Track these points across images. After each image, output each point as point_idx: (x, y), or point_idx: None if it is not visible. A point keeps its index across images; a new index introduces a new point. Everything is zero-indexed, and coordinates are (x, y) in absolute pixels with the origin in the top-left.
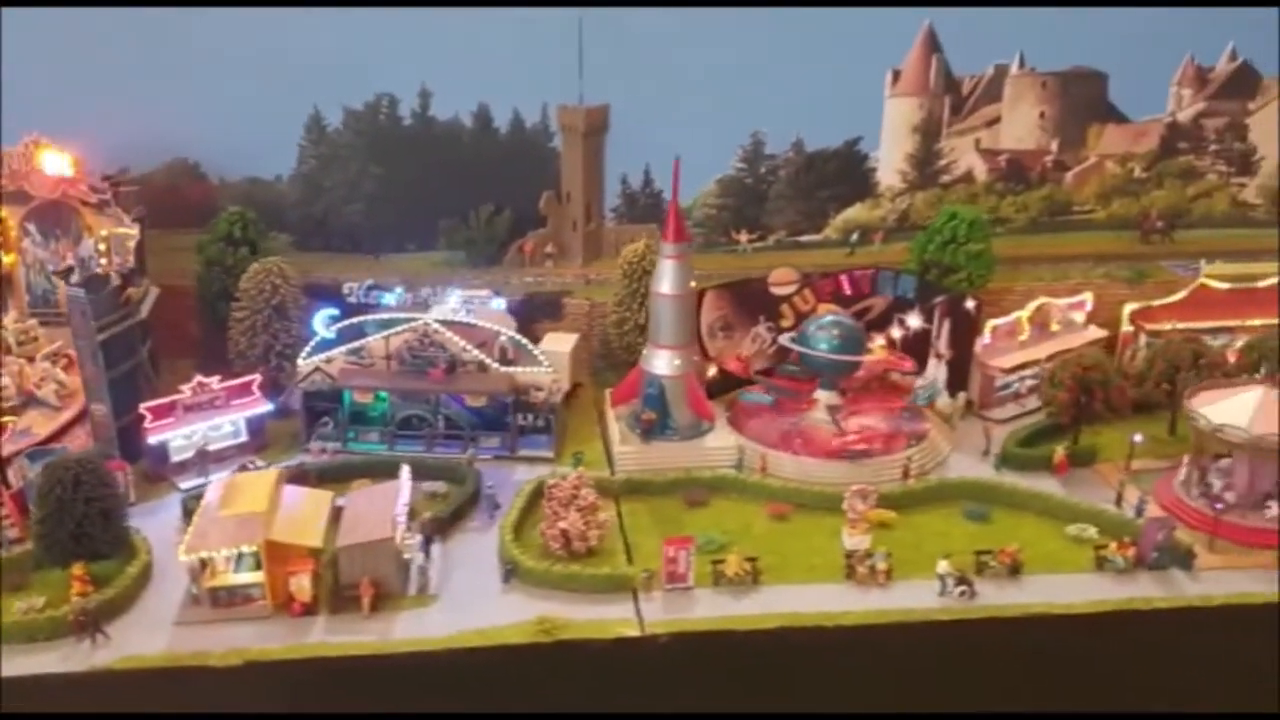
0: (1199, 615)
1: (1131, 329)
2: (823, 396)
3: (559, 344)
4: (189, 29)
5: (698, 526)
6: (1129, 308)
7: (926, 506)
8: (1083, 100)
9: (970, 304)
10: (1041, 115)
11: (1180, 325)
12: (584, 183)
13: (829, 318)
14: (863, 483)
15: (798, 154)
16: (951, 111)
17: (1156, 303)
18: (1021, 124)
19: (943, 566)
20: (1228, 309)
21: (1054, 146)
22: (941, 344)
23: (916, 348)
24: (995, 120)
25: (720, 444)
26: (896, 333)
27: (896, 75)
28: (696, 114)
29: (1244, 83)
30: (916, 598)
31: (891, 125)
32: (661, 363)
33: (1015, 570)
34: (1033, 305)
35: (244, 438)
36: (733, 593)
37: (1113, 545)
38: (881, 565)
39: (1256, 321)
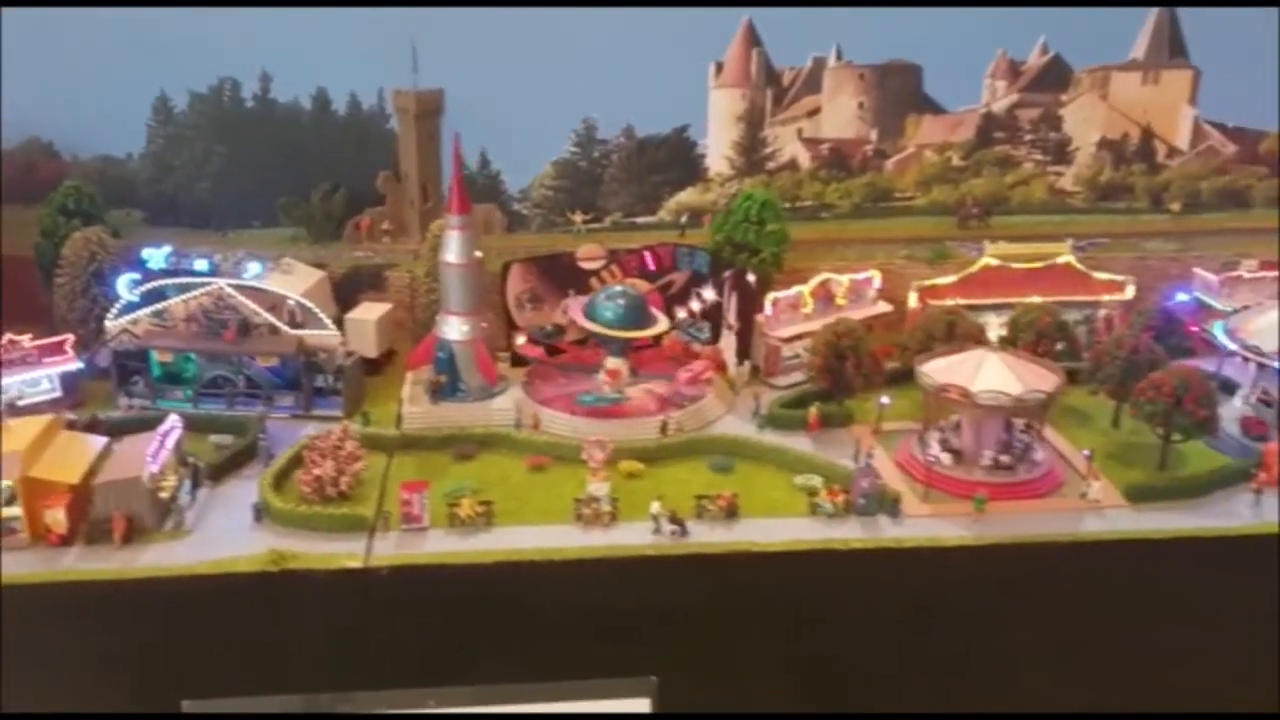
0: (894, 555)
1: (919, 304)
2: (610, 363)
3: (368, 313)
4: (43, 12)
5: (458, 476)
6: (915, 284)
7: (679, 459)
8: (900, 91)
9: (751, 278)
10: (860, 106)
11: (962, 301)
12: (419, 163)
13: (616, 289)
14: (623, 438)
15: (629, 139)
16: (774, 102)
17: (942, 280)
18: (842, 114)
19: (655, 508)
20: (1009, 287)
21: (874, 136)
22: (731, 315)
23: (713, 319)
24: (816, 110)
25: (504, 405)
26: (695, 305)
27: (719, 67)
28: (531, 99)
29: (1056, 75)
30: (634, 536)
31: (717, 114)
32: (451, 329)
33: (732, 514)
34: (815, 280)
35: (58, 393)
36: (464, 533)
37: (823, 492)
38: (606, 508)
39: (1036, 299)
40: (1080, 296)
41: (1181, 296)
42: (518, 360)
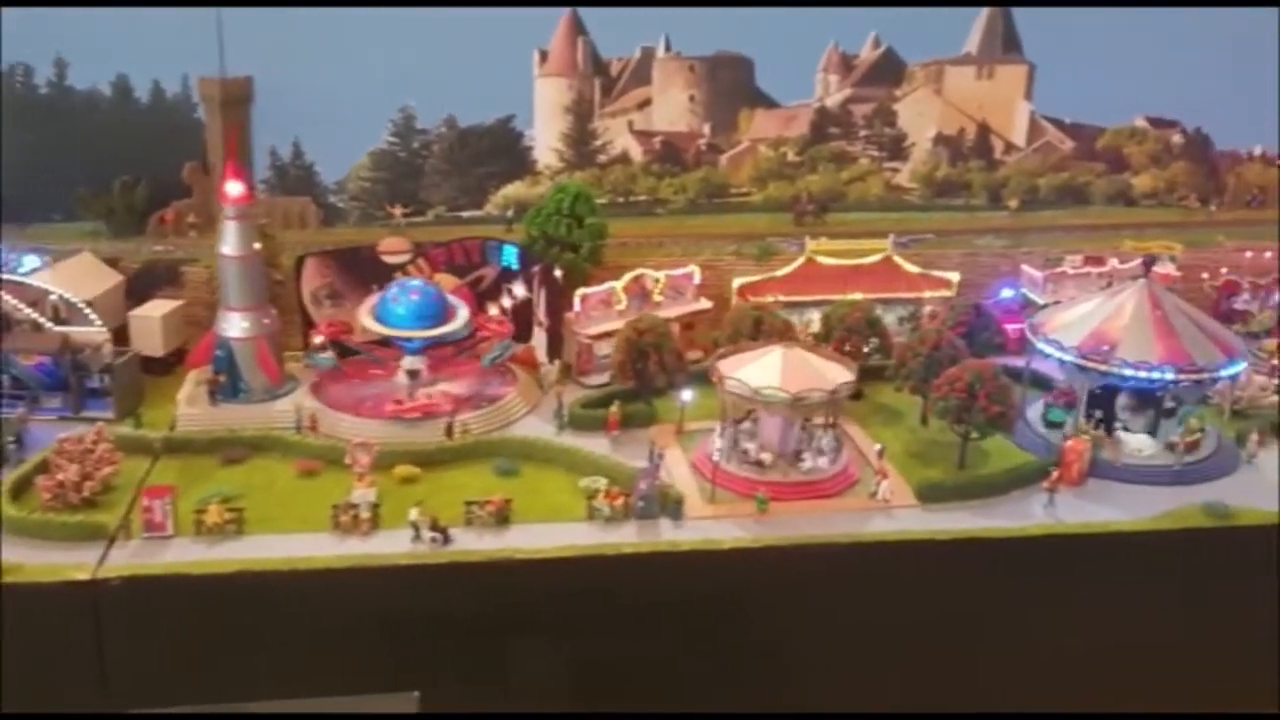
0: (667, 559)
1: (739, 301)
2: (406, 362)
3: (154, 310)
4: None
5: (222, 482)
6: (737, 281)
7: (463, 463)
8: (731, 84)
9: (558, 273)
10: (691, 99)
11: (782, 298)
12: (227, 154)
13: (411, 283)
14: (404, 441)
15: (451, 130)
16: (602, 93)
17: (762, 277)
18: (673, 107)
19: (413, 514)
20: (831, 283)
21: (706, 130)
22: (541, 312)
23: (525, 316)
24: (646, 103)
25: (285, 406)
26: (506, 302)
27: (544, 55)
28: (346, 86)
29: (889, 70)
30: (395, 545)
31: (543, 105)
32: (231, 325)
33: (503, 519)
34: (628, 276)
35: None
36: (211, 541)
37: (601, 495)
38: (365, 515)
39: (856, 295)
40: (904, 293)
41: (1007, 292)
42: None
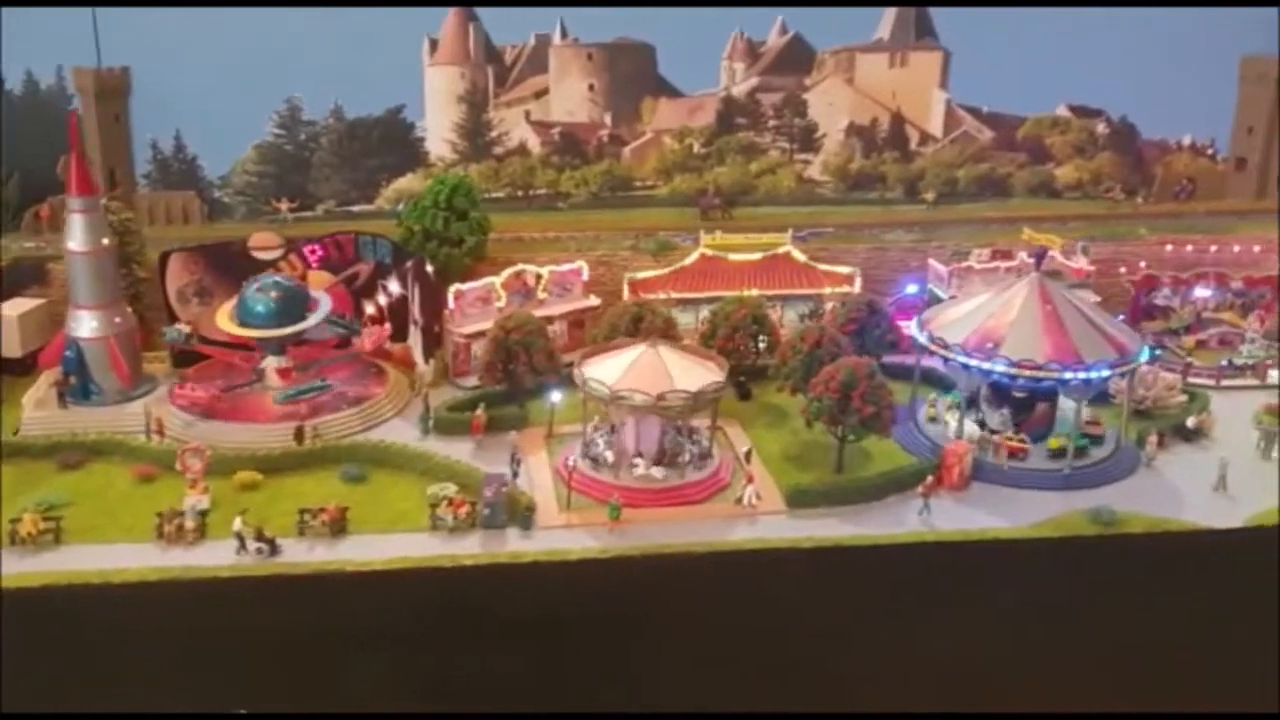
0: (507, 571)
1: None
2: (269, 363)
3: (12, 309)
4: None
5: (57, 488)
6: (628, 277)
7: (311, 468)
8: (632, 73)
9: (430, 269)
10: (591, 88)
11: (674, 295)
12: (103, 147)
13: (269, 279)
14: (252, 445)
15: (338, 121)
16: (497, 82)
17: (653, 273)
18: (571, 96)
19: (237, 524)
20: (726, 279)
21: (608, 120)
22: (415, 310)
23: (402, 314)
24: (544, 92)
25: (137, 409)
26: (382, 299)
27: (434, 43)
28: (228, 76)
29: (797, 58)
30: (221, 556)
31: (434, 94)
32: (80, 325)
33: (339, 529)
34: (508, 271)
35: None
36: (25, 552)
37: (444, 503)
38: (190, 524)
39: (752, 292)
40: (803, 289)
41: (911, 288)
42: (184, 359)
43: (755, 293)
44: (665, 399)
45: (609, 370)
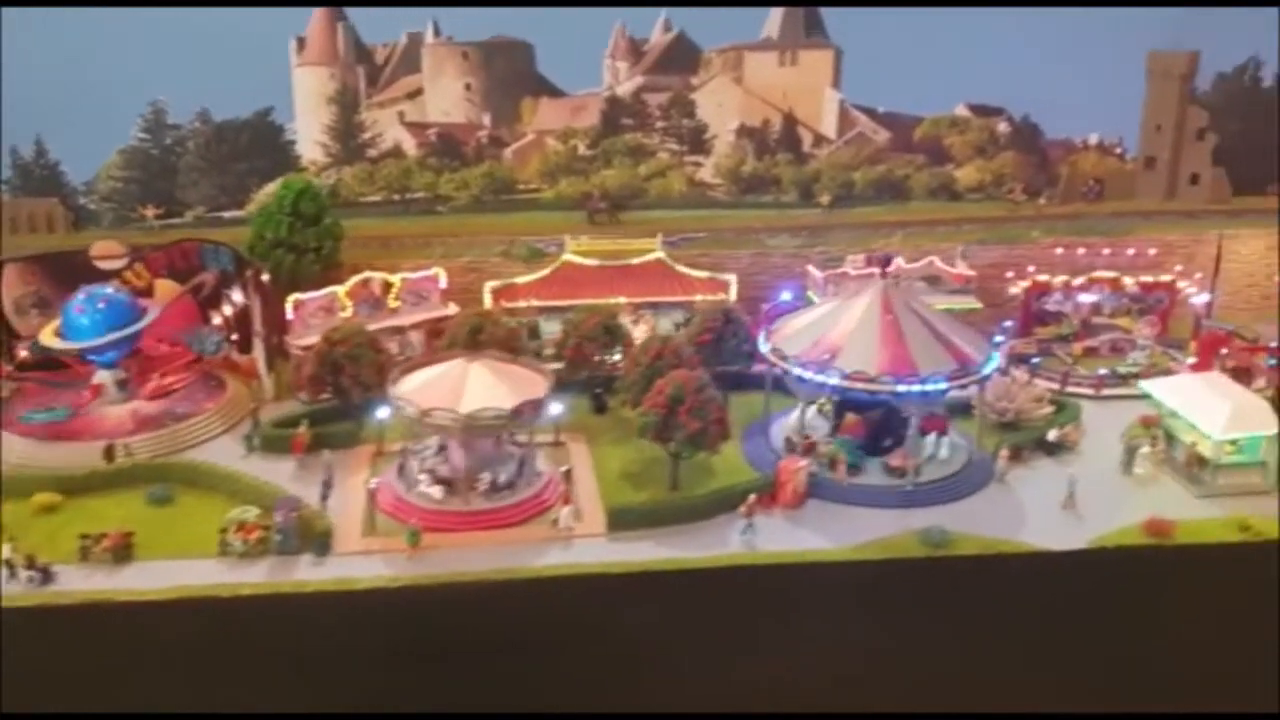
0: (292, 601)
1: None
2: (104, 376)
3: None
4: None
5: None
6: (490, 285)
7: (117, 490)
8: (510, 72)
9: (266, 278)
10: (468, 87)
11: (537, 302)
12: None
13: (99, 290)
14: (57, 464)
15: (205, 124)
16: (369, 82)
17: (517, 280)
18: (447, 96)
19: (6, 550)
20: (595, 286)
21: (486, 120)
22: (257, 320)
23: (246, 323)
24: (418, 92)
25: None
26: (228, 309)
27: (302, 43)
28: (91, 79)
29: (682, 56)
30: None
31: (304, 96)
32: None
33: (123, 555)
34: (353, 280)
35: None
36: None
37: (232, 528)
38: None
39: (619, 299)
40: (674, 296)
41: (786, 295)
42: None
43: (624, 300)
44: (477, 418)
45: (427, 387)
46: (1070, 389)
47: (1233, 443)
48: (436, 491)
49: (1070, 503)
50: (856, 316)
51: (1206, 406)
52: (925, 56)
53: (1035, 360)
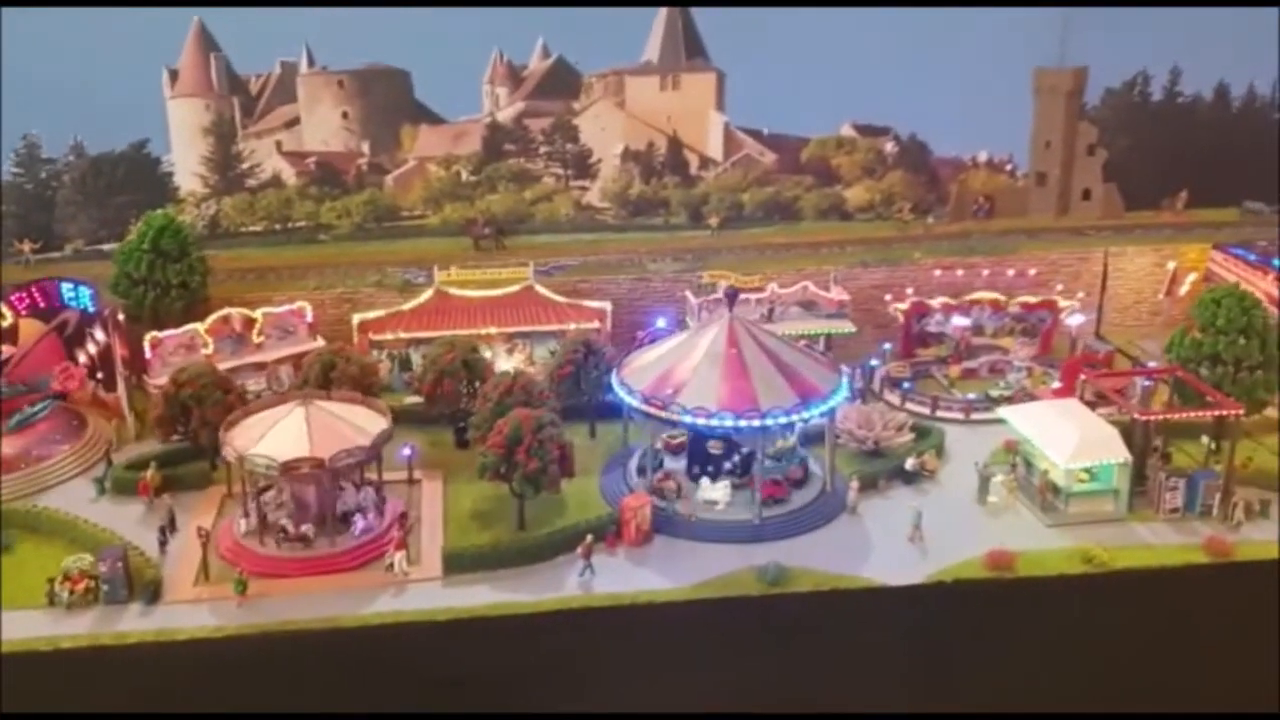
0: (108, 655)
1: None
2: None
3: None
4: None
5: None
6: (358, 317)
7: None
8: (387, 99)
9: (121, 316)
10: (345, 115)
11: (404, 334)
12: None
13: None
14: None
15: (79, 158)
16: (244, 113)
17: (386, 312)
18: (324, 125)
19: None
20: (466, 316)
21: (365, 148)
22: (118, 359)
23: (109, 362)
24: (295, 121)
25: None
26: (92, 347)
27: (174, 75)
28: None
29: (562, 81)
30: None
31: (179, 127)
32: None
33: None
34: (213, 316)
35: None
36: None
37: (59, 579)
38: None
39: (490, 329)
40: (547, 325)
41: (660, 322)
42: None
43: (494, 330)
44: (296, 464)
45: (253, 430)
46: (941, 413)
47: (1086, 470)
48: (276, 536)
49: (916, 534)
50: (702, 350)
51: (1056, 434)
52: (808, 77)
53: (907, 385)
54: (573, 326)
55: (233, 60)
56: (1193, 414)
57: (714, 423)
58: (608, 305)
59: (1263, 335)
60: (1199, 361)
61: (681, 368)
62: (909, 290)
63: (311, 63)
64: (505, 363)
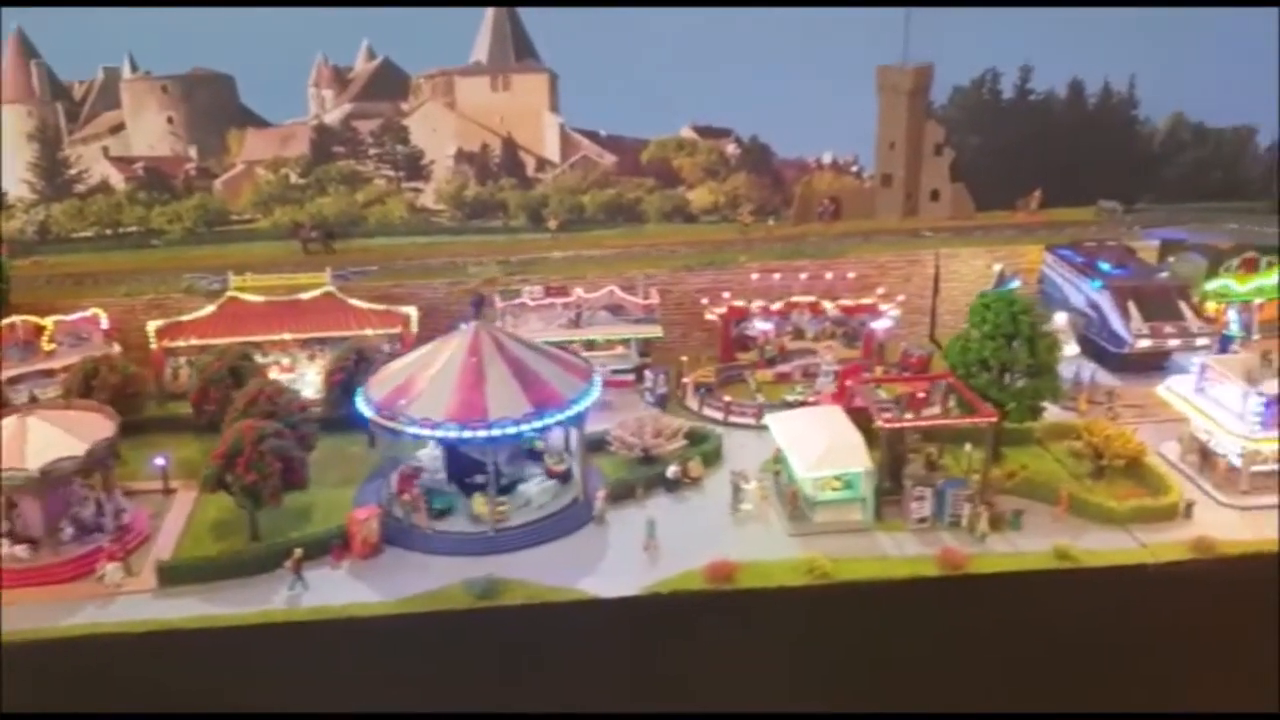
0: None
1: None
2: None
3: None
4: None
5: None
6: (154, 325)
7: None
8: (213, 104)
9: None
10: (170, 121)
11: (197, 341)
12: None
13: None
14: None
15: None
16: (69, 119)
17: (182, 318)
18: (150, 130)
19: None
20: (263, 322)
21: (193, 153)
22: None
23: None
24: (120, 127)
25: None
26: None
27: None
28: None
29: (390, 83)
30: None
31: (4, 134)
32: None
33: None
34: (2, 323)
35: None
36: None
37: None
38: None
39: (285, 335)
40: (346, 331)
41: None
42: None
43: (289, 336)
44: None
45: None
46: (735, 419)
47: (837, 478)
48: (22, 551)
49: (651, 544)
50: (443, 360)
51: (805, 442)
52: (644, 78)
53: (703, 390)
54: (370, 332)
55: (55, 67)
56: (944, 422)
57: (439, 434)
58: (413, 310)
59: (1031, 340)
60: (967, 367)
61: (421, 377)
62: (725, 294)
63: (134, 68)
64: (306, 369)
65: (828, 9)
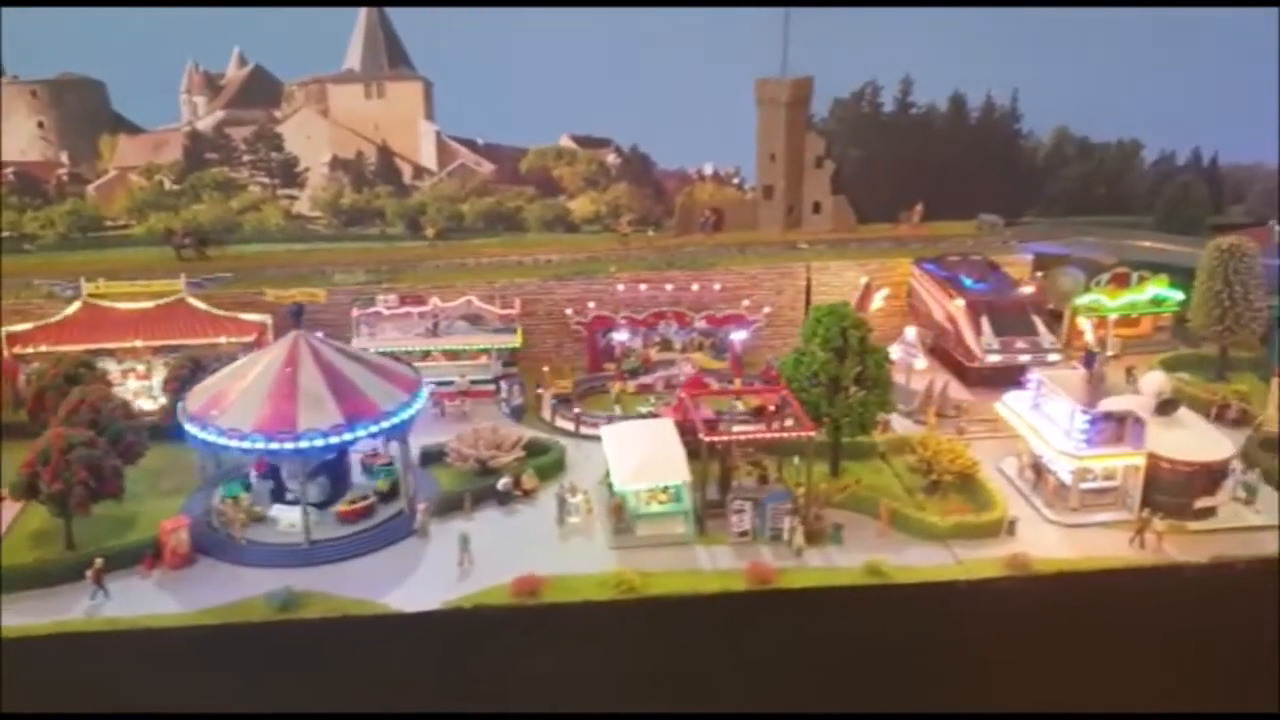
0: None
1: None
2: None
3: None
4: None
5: None
6: (4, 330)
7: None
8: (83, 109)
9: None
10: (41, 125)
11: (48, 348)
12: None
13: None
14: None
15: None
16: None
17: (33, 325)
18: (21, 135)
19: None
20: (119, 329)
21: (65, 158)
22: None
23: None
24: None
25: None
26: None
27: None
28: None
29: (262, 90)
30: None
31: None
32: None
33: None
34: None
35: None
36: None
37: None
38: None
39: (136, 343)
40: (200, 339)
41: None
42: None
43: (140, 344)
44: None
45: None
46: (586, 430)
47: (665, 490)
48: None
49: (465, 558)
50: (258, 369)
51: (627, 454)
52: (520, 86)
53: (555, 401)
54: (225, 340)
55: None
56: (763, 436)
57: (246, 444)
58: (268, 319)
59: (862, 355)
60: (801, 381)
61: (235, 388)
62: (591, 304)
63: (1, 72)
64: (160, 376)
65: (706, 15)
